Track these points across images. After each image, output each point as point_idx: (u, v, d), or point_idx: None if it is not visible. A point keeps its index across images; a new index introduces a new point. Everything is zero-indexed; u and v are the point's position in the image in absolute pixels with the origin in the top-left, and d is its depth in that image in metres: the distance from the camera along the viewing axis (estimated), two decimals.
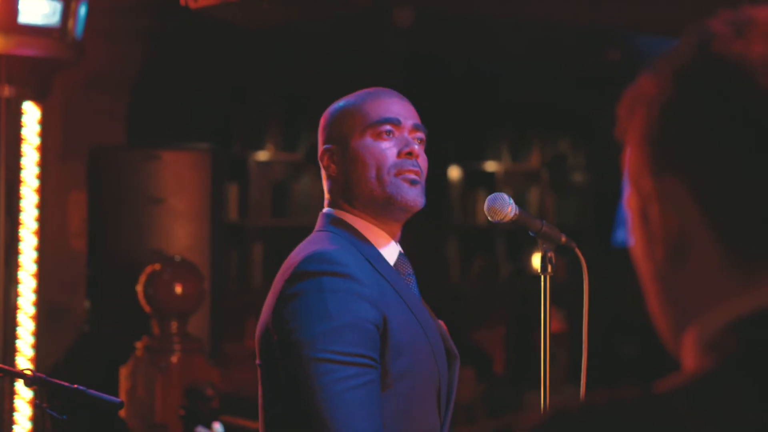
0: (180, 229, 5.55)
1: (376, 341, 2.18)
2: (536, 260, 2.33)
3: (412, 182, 2.30)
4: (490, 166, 8.68)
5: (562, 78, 7.57)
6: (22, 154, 5.00)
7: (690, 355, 0.93)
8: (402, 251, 2.39)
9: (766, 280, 0.91)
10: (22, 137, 5.01)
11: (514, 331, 8.00)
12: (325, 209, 2.40)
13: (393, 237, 2.37)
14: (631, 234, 0.99)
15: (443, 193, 8.31)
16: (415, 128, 2.36)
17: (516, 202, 2.34)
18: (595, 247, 7.67)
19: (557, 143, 9.07)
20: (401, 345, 2.21)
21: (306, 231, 2.38)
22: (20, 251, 4.99)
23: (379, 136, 2.32)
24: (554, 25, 5.97)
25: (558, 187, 8.85)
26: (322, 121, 2.42)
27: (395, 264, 2.35)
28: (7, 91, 4.92)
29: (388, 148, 2.32)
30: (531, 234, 2.35)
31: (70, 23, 4.77)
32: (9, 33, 4.62)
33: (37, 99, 5.04)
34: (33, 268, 5.02)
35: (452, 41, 6.58)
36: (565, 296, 7.28)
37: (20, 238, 5.00)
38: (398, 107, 2.36)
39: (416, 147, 2.32)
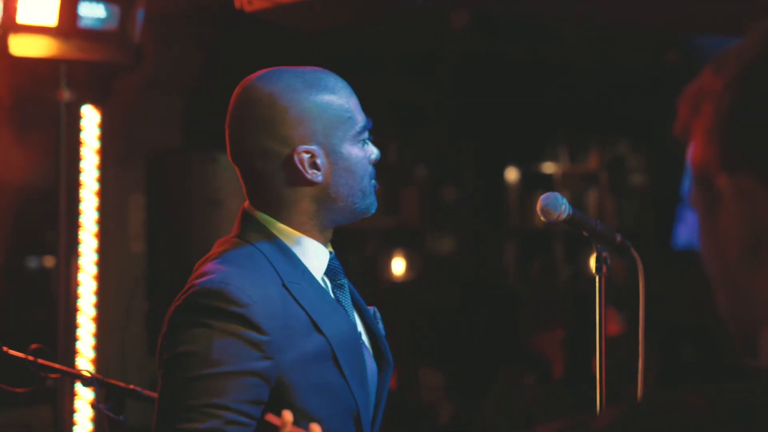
0: None
1: (259, 395, 1.96)
2: (593, 262, 2.29)
3: (376, 189, 2.15)
4: (548, 167, 8.62)
5: (621, 79, 7.50)
6: (82, 157, 5.05)
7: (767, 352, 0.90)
8: (332, 251, 2.18)
9: None
10: (82, 141, 5.06)
11: (572, 334, 7.94)
12: (248, 209, 2.18)
13: (328, 240, 2.17)
14: (698, 233, 0.96)
15: (500, 196, 8.27)
16: None
17: (574, 205, 2.29)
18: (655, 250, 7.60)
19: (616, 145, 8.98)
20: (307, 393, 2.00)
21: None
22: (80, 254, 5.05)
23: (364, 144, 2.13)
24: (612, 27, 5.92)
25: (617, 189, 8.77)
26: (279, 108, 2.13)
27: (326, 272, 2.15)
28: (67, 95, 4.97)
29: (367, 157, 2.13)
30: (585, 235, 2.28)
31: (129, 27, 4.81)
32: (69, 37, 4.67)
33: (97, 103, 5.08)
34: (93, 270, 5.07)
35: (509, 43, 6.55)
36: (626, 299, 7.21)
37: (80, 241, 5.05)
38: (359, 103, 2.15)
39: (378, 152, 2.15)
